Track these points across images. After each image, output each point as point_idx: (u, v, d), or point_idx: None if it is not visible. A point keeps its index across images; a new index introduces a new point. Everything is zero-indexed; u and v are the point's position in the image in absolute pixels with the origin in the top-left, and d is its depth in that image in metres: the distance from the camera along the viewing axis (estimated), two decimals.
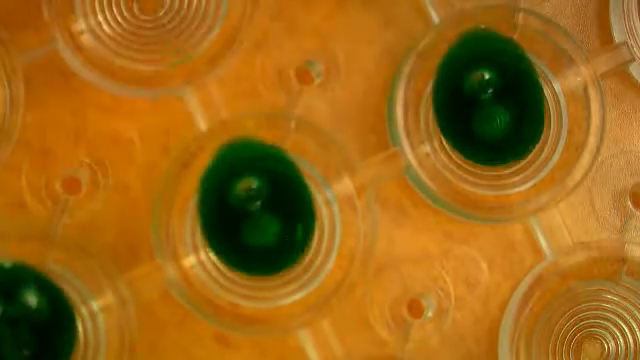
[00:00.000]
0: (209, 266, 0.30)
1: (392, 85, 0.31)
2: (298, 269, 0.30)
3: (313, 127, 0.30)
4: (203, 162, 0.29)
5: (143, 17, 0.31)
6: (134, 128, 0.30)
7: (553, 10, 0.32)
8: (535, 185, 0.31)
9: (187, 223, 0.30)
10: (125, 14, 0.31)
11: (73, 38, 0.30)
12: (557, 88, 0.31)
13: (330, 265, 0.30)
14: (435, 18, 0.31)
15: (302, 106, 0.31)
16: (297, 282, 0.30)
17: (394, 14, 0.32)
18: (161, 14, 0.31)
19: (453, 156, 0.31)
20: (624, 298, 0.31)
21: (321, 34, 0.31)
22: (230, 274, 0.29)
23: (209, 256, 0.29)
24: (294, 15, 0.31)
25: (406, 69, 0.31)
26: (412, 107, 0.31)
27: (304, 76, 0.31)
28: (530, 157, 0.31)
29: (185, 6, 0.31)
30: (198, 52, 0.30)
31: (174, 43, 0.30)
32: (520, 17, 0.31)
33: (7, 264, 0.27)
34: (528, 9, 0.31)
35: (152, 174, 0.30)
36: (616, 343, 0.30)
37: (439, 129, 0.30)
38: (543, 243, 0.31)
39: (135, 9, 0.31)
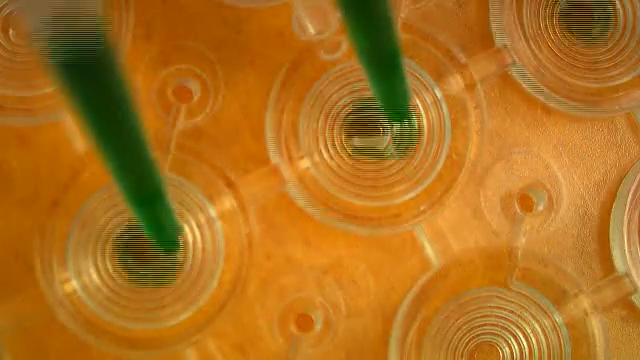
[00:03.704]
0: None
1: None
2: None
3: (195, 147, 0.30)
4: None
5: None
6: None
7: (427, 16, 0.32)
8: (420, 193, 0.30)
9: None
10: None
11: None
12: (439, 94, 0.31)
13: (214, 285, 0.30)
14: None
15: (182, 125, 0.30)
16: None
17: None
18: None
19: (335, 168, 0.30)
20: (515, 303, 0.30)
21: None
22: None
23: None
24: None
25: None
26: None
27: None
28: (416, 164, 0.30)
29: None
30: None
31: None
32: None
33: None
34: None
35: None
36: (511, 350, 0.30)
37: None
38: (430, 252, 0.30)
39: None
